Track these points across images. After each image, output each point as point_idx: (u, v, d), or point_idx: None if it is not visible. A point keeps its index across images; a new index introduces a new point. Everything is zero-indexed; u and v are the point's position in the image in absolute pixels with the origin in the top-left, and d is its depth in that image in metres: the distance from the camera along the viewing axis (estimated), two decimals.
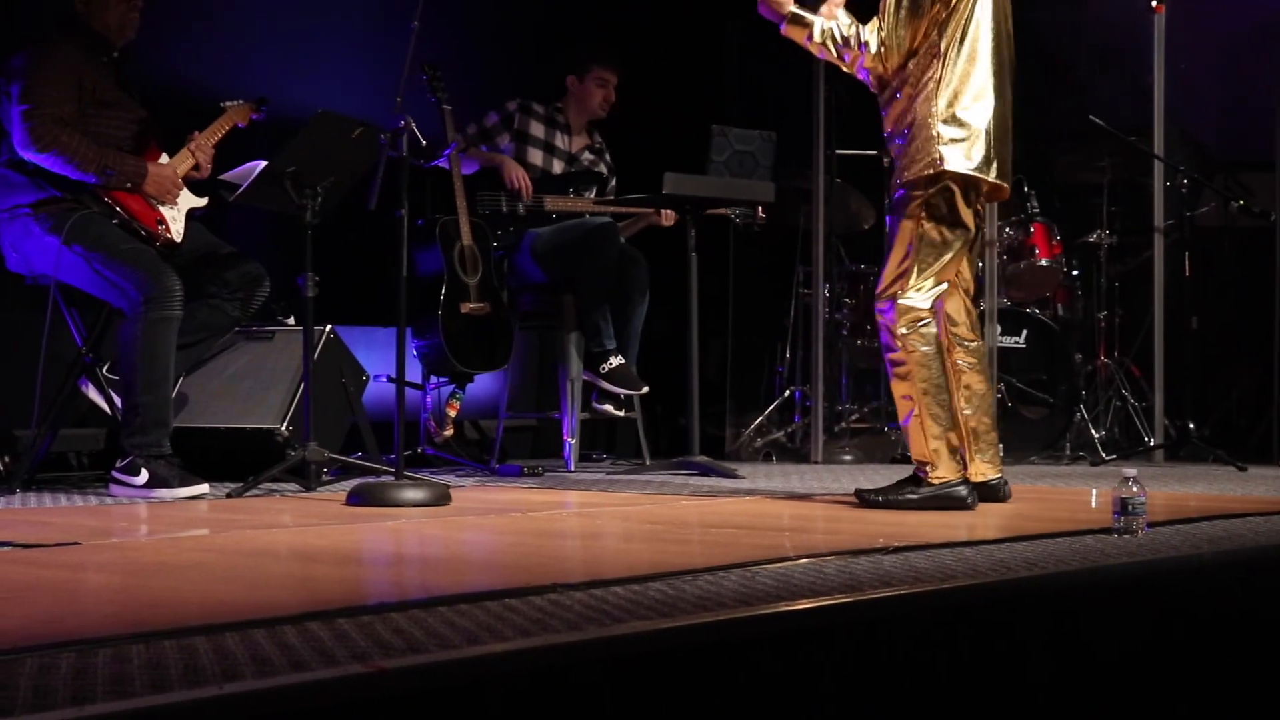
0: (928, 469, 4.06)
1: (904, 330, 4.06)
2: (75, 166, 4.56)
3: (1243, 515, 3.84)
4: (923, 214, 4.05)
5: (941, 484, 4.04)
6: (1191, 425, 6.36)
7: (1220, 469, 5.99)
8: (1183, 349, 6.48)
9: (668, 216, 6.05)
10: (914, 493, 4.07)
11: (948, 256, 4.08)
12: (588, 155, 6.18)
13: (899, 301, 4.06)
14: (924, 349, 4.04)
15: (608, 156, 6.25)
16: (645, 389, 5.79)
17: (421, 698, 1.81)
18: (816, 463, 6.39)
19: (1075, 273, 6.94)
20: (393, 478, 4.26)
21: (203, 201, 4.88)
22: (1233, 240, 7.36)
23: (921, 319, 4.05)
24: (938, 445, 4.03)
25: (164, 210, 4.74)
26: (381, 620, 2.13)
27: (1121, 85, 7.19)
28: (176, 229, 4.76)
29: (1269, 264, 7.02)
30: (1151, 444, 6.52)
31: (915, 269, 4.05)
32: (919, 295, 4.06)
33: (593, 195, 6.11)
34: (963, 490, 4.03)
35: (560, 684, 1.97)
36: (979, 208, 4.20)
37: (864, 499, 4.16)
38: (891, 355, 4.10)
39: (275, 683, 1.71)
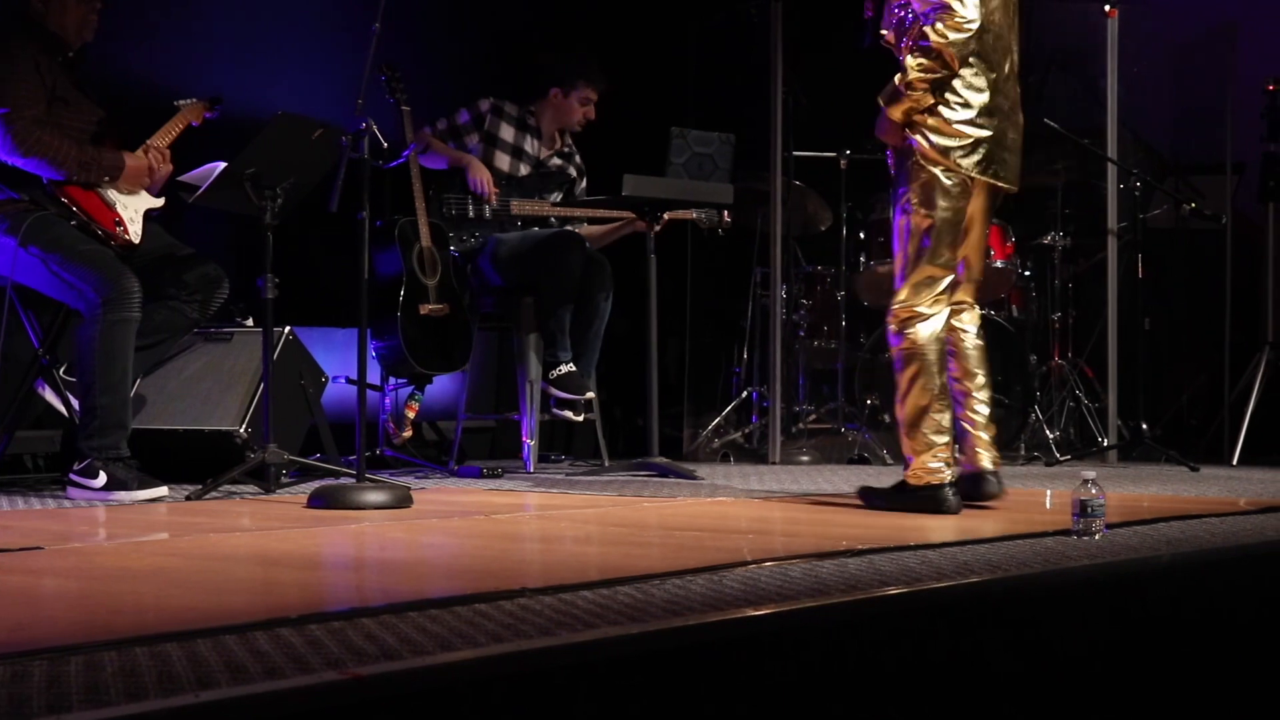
0: (912, 464, 4.05)
1: (895, 327, 4.08)
2: (56, 167, 4.53)
3: (1199, 516, 3.89)
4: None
5: (927, 486, 4.02)
6: (1144, 426, 6.43)
7: (1173, 469, 6.06)
8: (1135, 350, 6.55)
9: (637, 226, 6.05)
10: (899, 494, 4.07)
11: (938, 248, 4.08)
12: (556, 160, 6.17)
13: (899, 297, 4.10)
14: (922, 343, 4.05)
15: (578, 158, 6.25)
16: (590, 395, 5.80)
17: (396, 704, 1.82)
18: (774, 463, 6.42)
19: (1029, 274, 7.00)
20: (353, 480, 4.25)
21: (160, 202, 4.85)
22: (1184, 242, 7.46)
23: (918, 315, 4.06)
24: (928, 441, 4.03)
25: (122, 211, 4.71)
26: (353, 626, 2.13)
27: (1075, 89, 7.26)
28: (134, 229, 4.73)
29: (1219, 266, 7.12)
30: (1105, 444, 6.59)
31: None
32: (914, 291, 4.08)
33: (559, 199, 6.11)
34: (948, 493, 4.01)
35: (533, 689, 1.98)
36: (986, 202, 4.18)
37: (868, 500, 4.17)
38: (893, 350, 4.12)
39: (251, 690, 1.71)
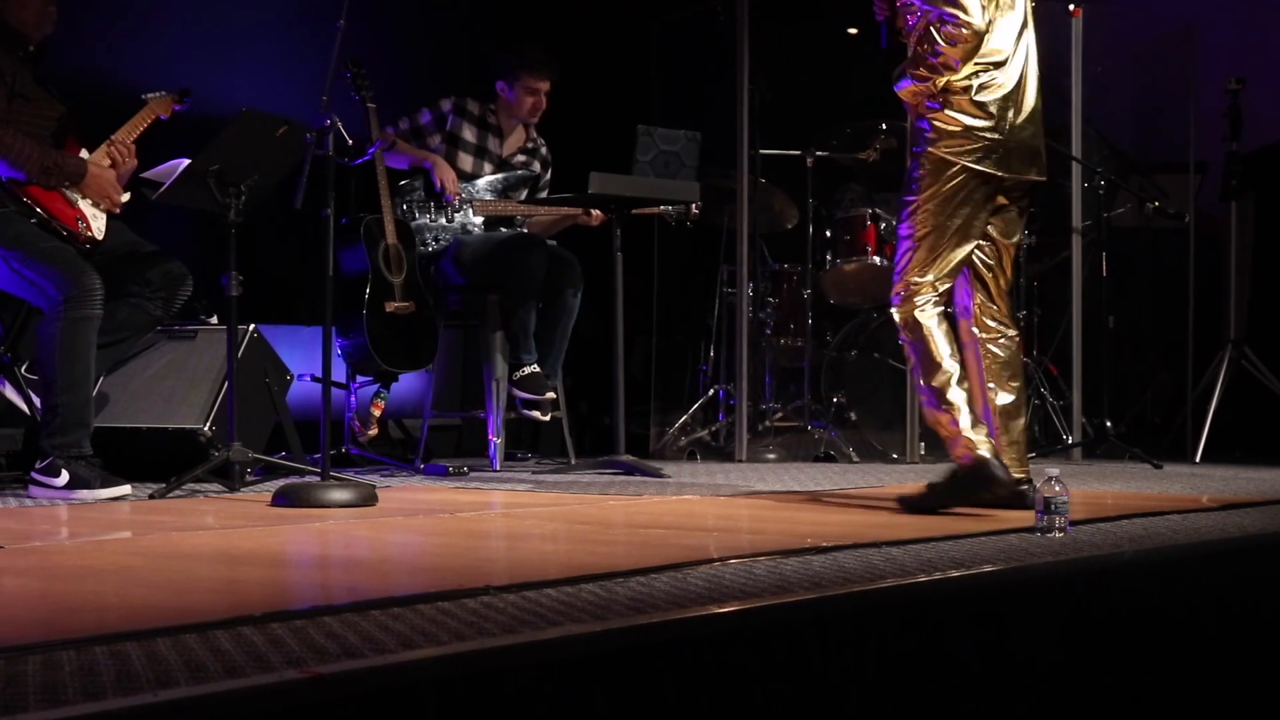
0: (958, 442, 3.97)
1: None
2: (17, 168, 4.49)
3: (1161, 514, 3.91)
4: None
5: (975, 464, 3.90)
6: (1108, 423, 6.46)
7: (1137, 466, 6.09)
8: (1100, 348, 6.58)
9: (596, 216, 6.06)
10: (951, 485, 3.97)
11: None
12: (520, 157, 6.16)
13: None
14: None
15: (544, 150, 6.24)
16: (552, 395, 5.79)
17: (357, 702, 1.81)
18: (740, 461, 6.43)
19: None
20: (318, 478, 4.24)
21: (125, 198, 4.82)
22: (1148, 241, 7.49)
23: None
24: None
25: (84, 208, 4.68)
26: (315, 624, 2.12)
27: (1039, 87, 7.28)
28: (97, 226, 4.70)
29: (1183, 264, 7.15)
30: (1070, 442, 6.62)
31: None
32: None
33: (523, 197, 6.10)
34: (994, 466, 3.89)
35: (495, 687, 1.97)
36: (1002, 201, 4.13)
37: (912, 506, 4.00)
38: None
39: (210, 689, 1.70)
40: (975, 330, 4.16)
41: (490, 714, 1.95)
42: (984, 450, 3.92)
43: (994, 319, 4.17)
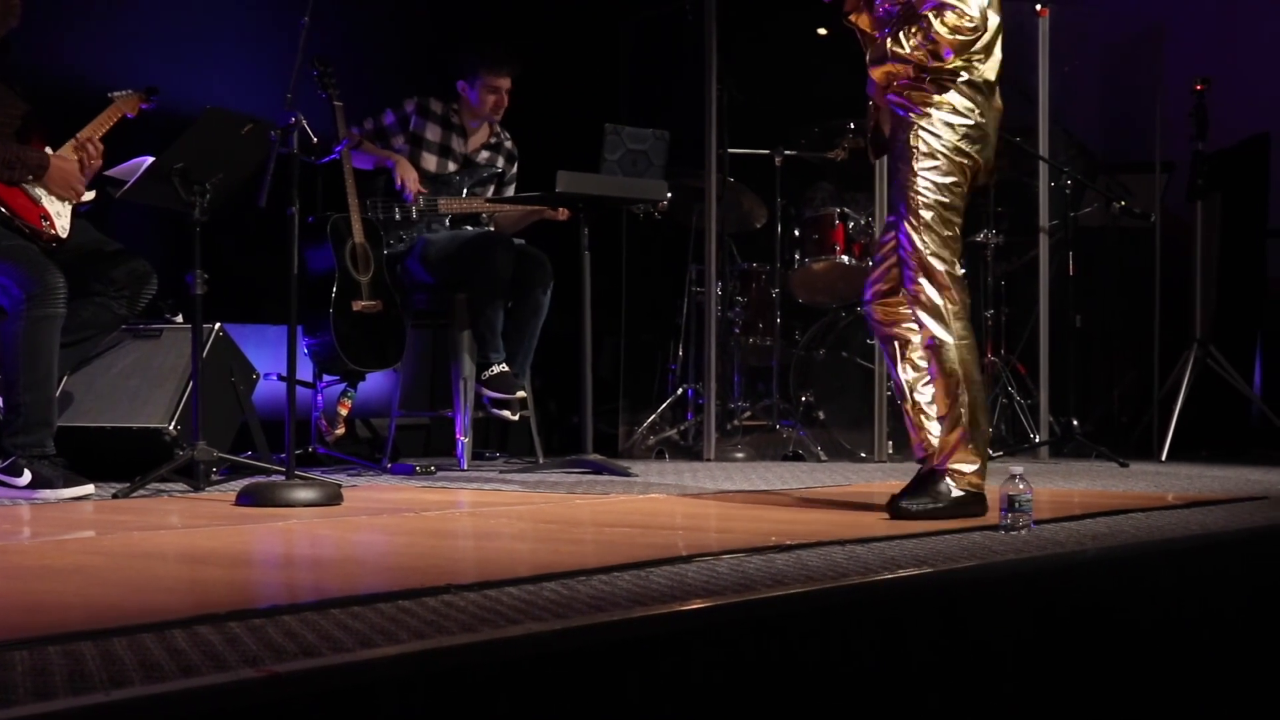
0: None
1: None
2: None
3: (1125, 511, 3.92)
4: None
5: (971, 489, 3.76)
6: (1075, 422, 6.48)
7: (1103, 465, 6.11)
8: (1067, 347, 6.60)
9: (562, 210, 6.05)
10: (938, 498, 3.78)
11: None
12: (484, 153, 6.15)
13: None
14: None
15: (509, 143, 6.22)
16: (521, 394, 5.78)
17: (314, 701, 1.80)
18: (709, 460, 6.43)
19: (963, 271, 7.02)
20: (283, 477, 4.22)
21: (89, 196, 4.79)
22: (1115, 240, 7.52)
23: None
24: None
25: (48, 206, 4.65)
26: (273, 623, 2.11)
27: (1006, 87, 7.29)
28: (61, 224, 4.67)
29: (1149, 264, 7.19)
30: (1036, 441, 6.64)
31: None
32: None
33: (489, 194, 6.09)
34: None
35: (455, 686, 1.96)
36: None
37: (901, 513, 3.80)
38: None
39: (164, 688, 1.69)
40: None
41: (450, 713, 1.94)
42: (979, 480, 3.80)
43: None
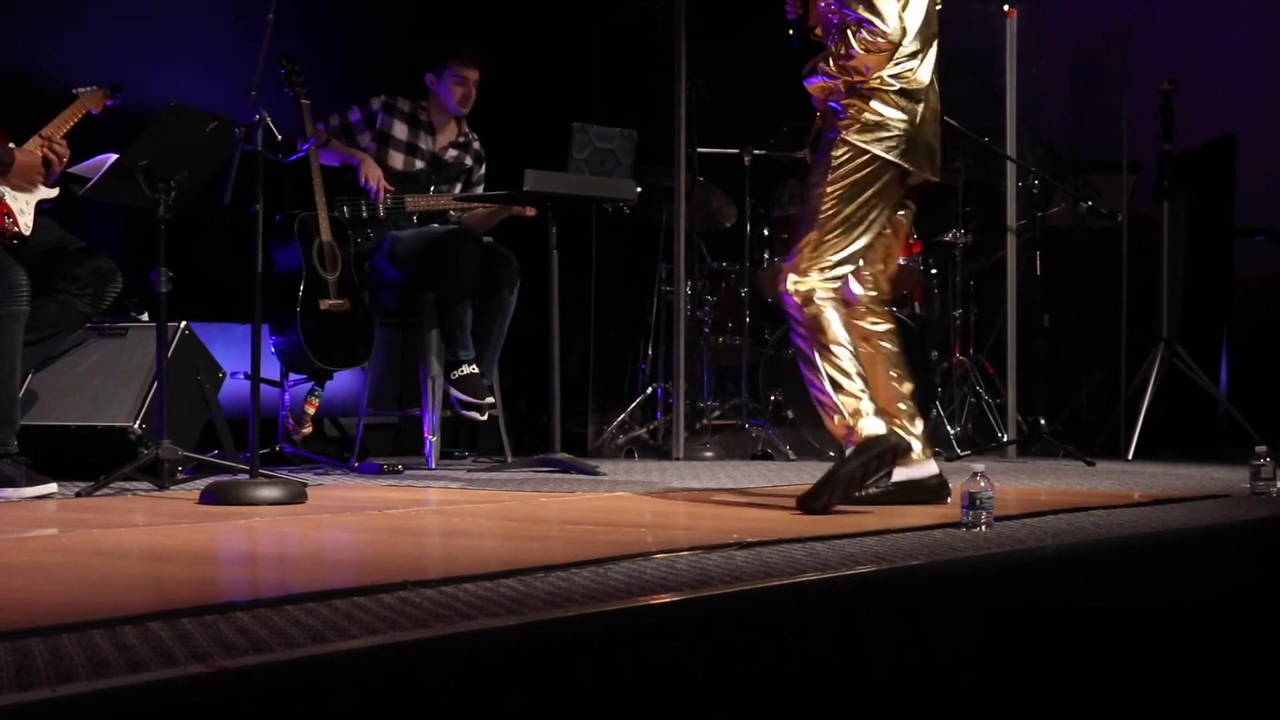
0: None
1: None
2: None
3: (1086, 509, 3.94)
4: None
5: (868, 441, 3.88)
6: (1043, 421, 6.50)
7: (1070, 464, 6.13)
8: (1034, 346, 6.62)
9: (524, 211, 6.04)
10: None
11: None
12: (452, 152, 6.14)
13: None
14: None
15: (476, 144, 6.22)
16: (490, 399, 5.77)
17: (264, 697, 1.80)
18: (678, 459, 6.43)
19: (932, 271, 7.06)
20: (247, 476, 4.21)
21: (53, 193, 4.77)
22: (1082, 240, 7.56)
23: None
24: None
25: (11, 203, 4.63)
26: (226, 619, 2.11)
27: (975, 88, 7.34)
28: (25, 222, 4.65)
29: (1116, 264, 7.22)
30: (1004, 439, 6.66)
31: None
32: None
33: (456, 191, 6.08)
34: (888, 438, 3.91)
35: (408, 682, 1.96)
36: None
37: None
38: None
39: (110, 684, 1.68)
40: (866, 324, 4.17)
41: (403, 709, 1.94)
42: (882, 430, 3.90)
43: (876, 313, 4.20)
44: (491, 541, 3.40)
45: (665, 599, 2.37)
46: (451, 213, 6.08)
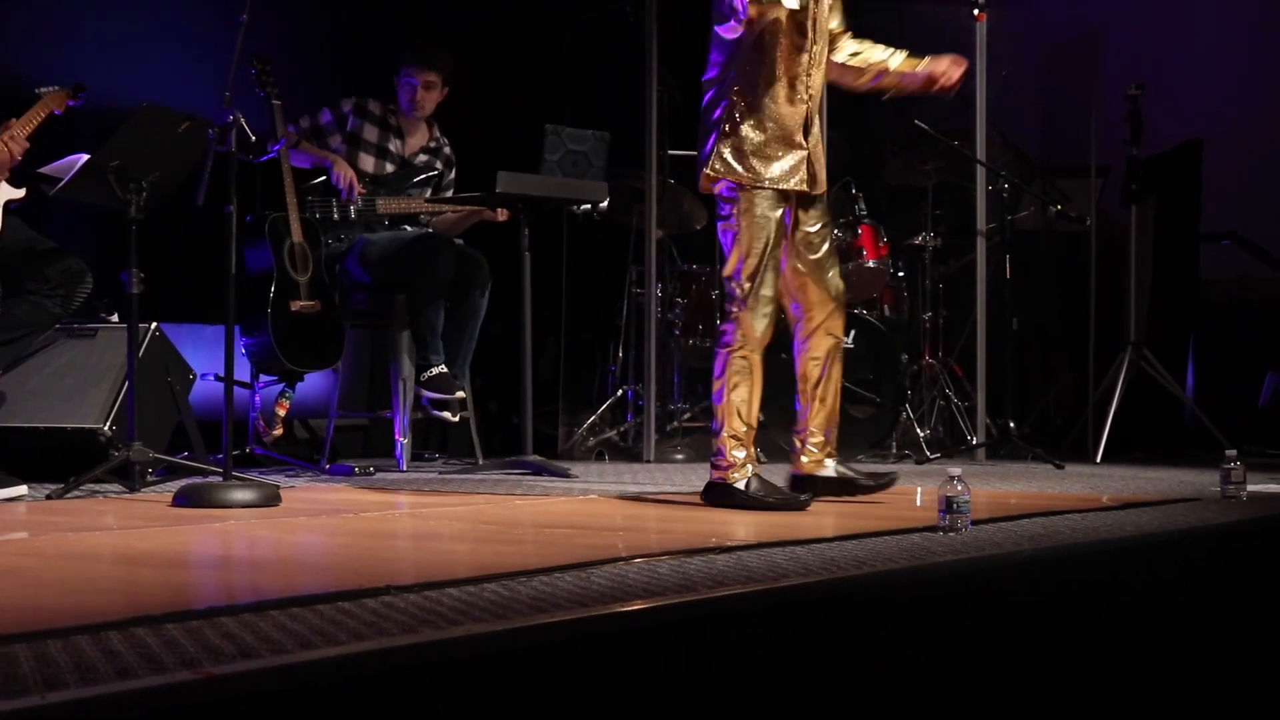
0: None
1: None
2: None
3: (1061, 513, 3.96)
4: None
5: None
6: (1012, 424, 6.53)
7: (1039, 467, 6.16)
8: (1003, 349, 6.65)
9: (501, 212, 6.03)
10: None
11: None
12: (422, 156, 6.12)
13: None
14: None
15: (447, 149, 6.20)
16: (461, 394, 5.76)
17: (252, 704, 1.79)
18: (649, 461, 6.43)
19: (901, 274, 7.09)
20: (220, 478, 4.19)
21: (20, 193, 4.73)
22: (1051, 244, 7.60)
23: None
24: None
25: None
26: (211, 625, 2.09)
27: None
28: None
29: (1085, 267, 7.26)
30: (974, 442, 6.69)
31: None
32: None
33: (427, 195, 6.06)
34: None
35: (395, 688, 1.96)
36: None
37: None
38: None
39: (99, 691, 1.67)
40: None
41: (390, 715, 1.93)
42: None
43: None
44: (469, 545, 3.39)
45: (650, 604, 2.37)
46: (423, 216, 6.06)
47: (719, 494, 4.13)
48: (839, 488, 4.30)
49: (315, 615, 2.20)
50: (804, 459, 4.33)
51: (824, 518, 3.96)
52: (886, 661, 2.71)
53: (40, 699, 1.61)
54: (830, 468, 4.32)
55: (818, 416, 4.32)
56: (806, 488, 4.26)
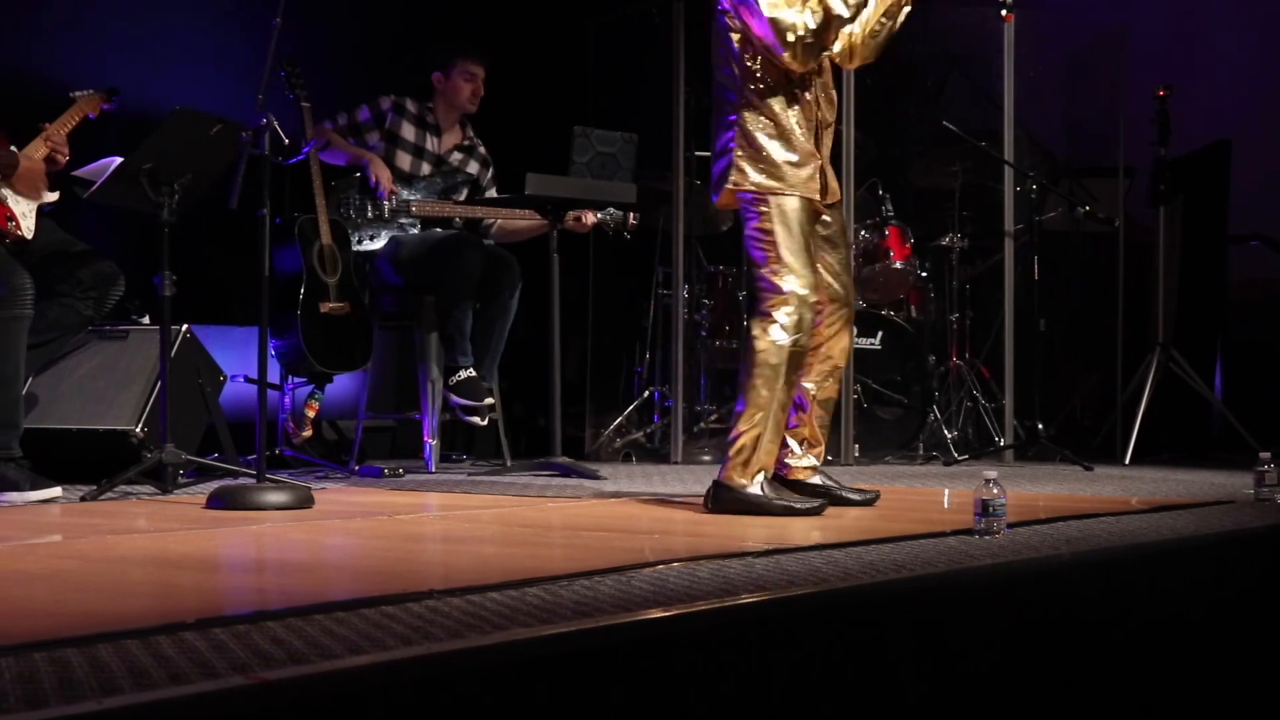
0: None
1: None
2: None
3: (1095, 515, 3.95)
4: None
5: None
6: (1040, 425, 6.51)
7: (1067, 468, 6.14)
8: (1031, 350, 6.63)
9: (586, 218, 6.00)
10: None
11: None
12: (457, 155, 6.12)
13: None
14: None
15: (481, 149, 6.20)
16: (490, 400, 5.76)
17: (304, 709, 1.79)
18: (676, 463, 6.43)
19: (928, 275, 7.07)
20: (253, 480, 4.19)
21: (54, 197, 4.75)
22: (1078, 245, 7.58)
23: None
24: None
25: (13, 206, 4.61)
26: (258, 629, 2.10)
27: (972, 92, 7.35)
28: (27, 225, 4.64)
29: (1112, 268, 7.24)
30: (1001, 444, 6.67)
31: None
32: None
33: (462, 198, 6.06)
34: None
35: (442, 693, 1.96)
36: None
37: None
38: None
39: (155, 696, 1.68)
40: None
41: (437, 719, 1.93)
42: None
43: None
44: (505, 548, 3.39)
45: (692, 608, 2.37)
46: (456, 219, 6.05)
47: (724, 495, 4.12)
48: (824, 497, 4.24)
49: (360, 620, 2.20)
50: (790, 461, 4.28)
51: (854, 520, 3.94)
52: (926, 664, 2.71)
53: (97, 704, 1.62)
54: (817, 476, 4.28)
55: (810, 424, 4.28)
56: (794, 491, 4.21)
